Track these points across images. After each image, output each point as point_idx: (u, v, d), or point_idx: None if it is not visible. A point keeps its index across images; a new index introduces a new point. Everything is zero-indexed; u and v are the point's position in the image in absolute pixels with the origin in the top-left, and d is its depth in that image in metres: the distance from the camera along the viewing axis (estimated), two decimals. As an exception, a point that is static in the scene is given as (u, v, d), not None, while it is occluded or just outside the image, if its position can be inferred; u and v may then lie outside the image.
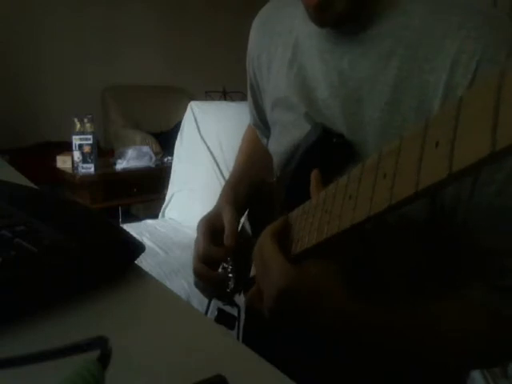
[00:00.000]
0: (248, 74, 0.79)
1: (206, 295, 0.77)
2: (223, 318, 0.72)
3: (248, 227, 0.77)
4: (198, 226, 0.72)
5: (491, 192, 0.50)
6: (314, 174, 0.52)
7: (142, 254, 0.51)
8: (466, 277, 0.54)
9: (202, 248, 0.70)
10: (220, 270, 0.74)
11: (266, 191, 0.76)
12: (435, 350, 0.53)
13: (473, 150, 0.26)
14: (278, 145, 0.69)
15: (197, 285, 0.75)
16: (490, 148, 0.25)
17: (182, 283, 1.61)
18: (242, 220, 0.78)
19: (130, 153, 3.05)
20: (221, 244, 0.69)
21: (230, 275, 0.73)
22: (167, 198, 2.34)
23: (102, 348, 0.24)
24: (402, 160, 0.34)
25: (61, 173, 2.97)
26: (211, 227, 0.71)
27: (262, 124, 0.83)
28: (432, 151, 0.30)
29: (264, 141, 0.86)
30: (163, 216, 2.33)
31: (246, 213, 0.79)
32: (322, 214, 0.45)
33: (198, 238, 0.72)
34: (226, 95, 4.16)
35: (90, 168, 2.83)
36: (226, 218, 0.70)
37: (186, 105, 2.34)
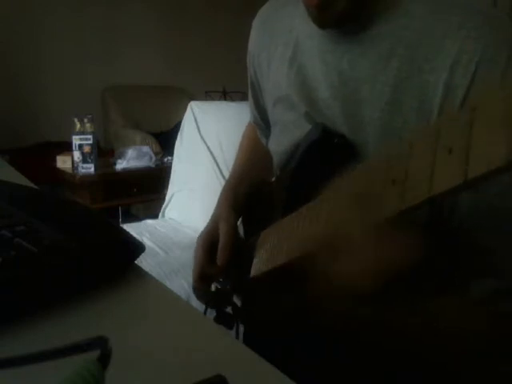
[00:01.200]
0: (248, 72, 0.79)
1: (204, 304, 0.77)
2: (222, 318, 0.72)
3: (241, 228, 0.77)
4: (198, 240, 0.73)
5: (491, 192, 0.50)
6: None
7: (142, 253, 0.51)
8: (464, 276, 0.54)
9: (197, 265, 0.70)
10: (215, 285, 0.75)
11: (266, 191, 0.76)
12: (434, 349, 0.53)
13: (488, 158, 0.26)
14: (279, 144, 0.69)
15: (197, 296, 0.76)
16: (506, 155, 0.25)
17: (182, 283, 1.61)
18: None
19: (130, 153, 3.05)
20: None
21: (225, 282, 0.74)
22: (167, 197, 2.34)
23: (102, 348, 0.24)
24: (412, 166, 0.34)
25: (61, 173, 2.97)
26: (210, 239, 0.71)
27: (262, 123, 0.83)
28: (445, 158, 0.30)
29: (264, 140, 0.85)
30: (163, 216, 2.33)
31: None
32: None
33: (195, 252, 0.72)
34: (225, 95, 4.16)
35: (90, 168, 2.83)
36: (222, 230, 0.70)
37: (186, 105, 2.33)
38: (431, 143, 0.32)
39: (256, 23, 0.75)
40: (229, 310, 0.74)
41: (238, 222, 0.78)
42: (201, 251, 0.71)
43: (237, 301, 0.75)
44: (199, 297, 0.75)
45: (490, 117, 0.27)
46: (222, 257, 0.68)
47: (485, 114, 0.27)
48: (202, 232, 0.74)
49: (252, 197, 0.78)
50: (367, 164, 0.40)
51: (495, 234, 0.51)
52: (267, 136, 0.80)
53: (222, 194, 0.78)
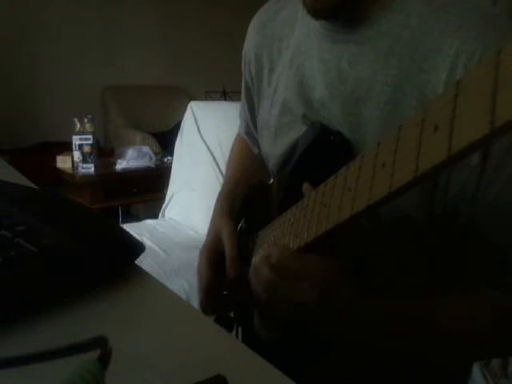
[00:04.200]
0: (244, 76, 0.77)
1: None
2: (222, 320, 0.72)
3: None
4: (201, 254, 0.70)
5: (495, 190, 0.50)
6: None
7: (142, 253, 0.51)
8: (468, 273, 0.54)
9: (204, 280, 0.68)
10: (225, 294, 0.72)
11: (265, 193, 0.76)
12: (438, 346, 0.53)
13: (472, 130, 0.26)
14: (274, 147, 0.68)
15: (206, 311, 0.72)
16: (489, 126, 0.25)
17: (182, 283, 1.61)
18: (241, 222, 0.77)
19: (130, 153, 3.06)
20: (224, 270, 0.67)
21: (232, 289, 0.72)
22: (167, 198, 2.34)
23: (101, 348, 0.24)
24: (400, 147, 0.34)
25: (61, 173, 2.98)
26: (213, 253, 0.69)
27: (255, 130, 0.80)
28: (431, 135, 0.30)
29: (255, 150, 0.83)
30: (163, 216, 2.33)
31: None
32: (321, 208, 0.45)
33: (200, 267, 0.70)
34: (225, 95, 4.16)
35: (90, 168, 2.83)
36: (226, 242, 0.68)
37: (186, 105, 2.33)
38: (419, 122, 0.31)
39: (255, 25, 0.73)
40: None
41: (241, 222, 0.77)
42: (206, 266, 0.68)
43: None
44: (210, 310, 0.71)
45: (474, 90, 0.26)
46: (232, 270, 0.65)
47: (469, 88, 0.27)
48: (204, 245, 0.71)
49: (251, 199, 0.77)
50: (362, 153, 0.40)
51: (499, 231, 0.51)
52: (259, 145, 0.78)
53: (217, 202, 0.76)
